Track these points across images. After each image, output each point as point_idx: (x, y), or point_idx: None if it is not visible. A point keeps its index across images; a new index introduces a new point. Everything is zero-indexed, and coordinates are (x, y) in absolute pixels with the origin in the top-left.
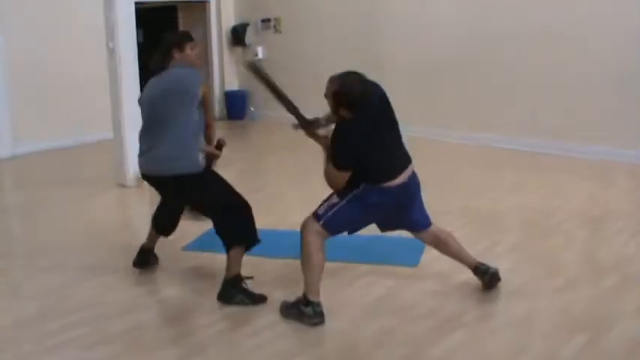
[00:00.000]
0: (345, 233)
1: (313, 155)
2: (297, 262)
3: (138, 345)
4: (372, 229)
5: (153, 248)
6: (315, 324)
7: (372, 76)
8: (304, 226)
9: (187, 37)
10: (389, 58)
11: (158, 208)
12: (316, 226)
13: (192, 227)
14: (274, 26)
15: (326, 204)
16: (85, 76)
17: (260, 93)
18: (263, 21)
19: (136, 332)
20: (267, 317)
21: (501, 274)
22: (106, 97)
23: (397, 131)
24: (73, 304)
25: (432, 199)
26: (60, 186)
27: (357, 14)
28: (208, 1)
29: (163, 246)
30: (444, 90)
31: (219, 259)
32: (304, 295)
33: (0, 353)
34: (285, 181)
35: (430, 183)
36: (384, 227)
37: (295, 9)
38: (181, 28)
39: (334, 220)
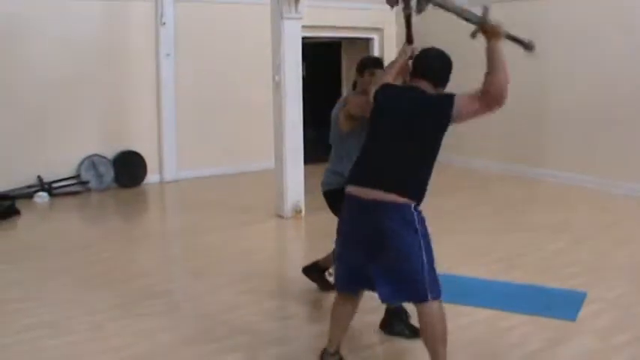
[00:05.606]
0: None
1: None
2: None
3: None
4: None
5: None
6: None
7: None
8: None
9: (367, 64)
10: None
11: None
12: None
13: None
14: None
15: None
16: (250, 105)
17: None
18: None
19: None
20: None
21: None
22: (269, 127)
23: (402, 148)
24: (228, 329)
25: None
26: (218, 212)
27: None
28: (372, 39)
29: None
30: None
31: None
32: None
33: None
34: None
35: None
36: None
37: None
38: (343, 64)
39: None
